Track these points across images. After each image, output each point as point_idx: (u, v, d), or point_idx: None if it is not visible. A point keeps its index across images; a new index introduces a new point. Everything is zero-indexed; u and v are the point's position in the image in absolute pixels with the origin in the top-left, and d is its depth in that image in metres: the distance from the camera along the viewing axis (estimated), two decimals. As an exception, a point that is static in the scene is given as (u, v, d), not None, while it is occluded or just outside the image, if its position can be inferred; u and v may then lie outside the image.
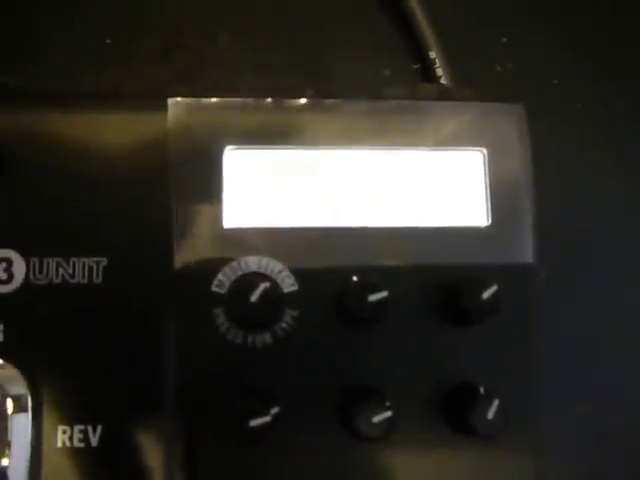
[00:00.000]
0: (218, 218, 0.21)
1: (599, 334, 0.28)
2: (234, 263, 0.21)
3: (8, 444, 0.20)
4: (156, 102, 0.22)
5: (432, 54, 0.28)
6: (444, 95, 0.25)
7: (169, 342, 0.21)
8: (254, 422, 0.19)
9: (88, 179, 0.21)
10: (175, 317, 0.21)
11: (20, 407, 0.20)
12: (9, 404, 0.20)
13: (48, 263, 0.21)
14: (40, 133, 0.22)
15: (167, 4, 0.30)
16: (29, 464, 0.20)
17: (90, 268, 0.21)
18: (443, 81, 0.28)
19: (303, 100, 0.22)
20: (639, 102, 0.30)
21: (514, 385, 0.22)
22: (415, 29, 0.29)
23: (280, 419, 0.20)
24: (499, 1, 0.31)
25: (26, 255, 0.21)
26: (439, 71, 0.28)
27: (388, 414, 0.20)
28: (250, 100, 0.22)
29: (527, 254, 0.22)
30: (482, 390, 0.21)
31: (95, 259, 0.21)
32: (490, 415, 0.20)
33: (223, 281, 0.21)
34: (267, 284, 0.20)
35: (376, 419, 0.19)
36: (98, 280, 0.21)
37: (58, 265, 0.21)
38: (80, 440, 0.20)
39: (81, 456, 0.20)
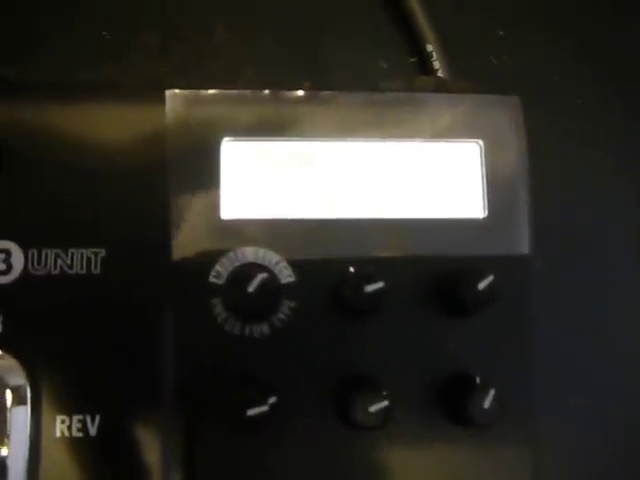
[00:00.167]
0: (216, 209, 0.21)
1: (597, 326, 0.29)
2: (231, 254, 0.21)
3: (7, 434, 0.20)
4: (154, 94, 0.22)
5: (429, 47, 0.28)
6: (440, 87, 0.25)
7: (167, 332, 0.21)
8: (251, 411, 0.19)
9: (86, 171, 0.21)
10: (173, 308, 0.21)
11: (19, 397, 0.20)
12: (8, 394, 0.20)
13: (46, 254, 0.21)
14: (38, 126, 0.22)
15: (165, -2, 0.30)
16: (28, 453, 0.20)
17: (88, 259, 0.21)
18: (440, 74, 0.28)
19: (300, 92, 0.22)
20: (638, 98, 0.31)
21: (510, 375, 0.22)
22: (412, 23, 0.29)
23: (277, 409, 0.20)
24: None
25: (25, 246, 0.21)
26: (436, 64, 0.28)
27: (384, 403, 0.20)
28: (247, 92, 0.22)
29: (523, 245, 0.23)
30: (478, 380, 0.21)
31: (93, 250, 0.21)
32: (486, 405, 0.20)
33: (221, 272, 0.21)
34: (264, 275, 0.20)
35: (372, 408, 0.20)
36: (96, 271, 0.21)
37: (57, 256, 0.21)
38: (79, 430, 0.20)
39: (80, 446, 0.20)
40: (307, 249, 0.22)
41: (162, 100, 0.22)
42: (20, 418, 0.20)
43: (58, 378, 0.21)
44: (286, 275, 0.21)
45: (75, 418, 0.21)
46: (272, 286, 0.21)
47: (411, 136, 0.23)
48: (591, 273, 0.29)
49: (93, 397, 0.21)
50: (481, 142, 0.23)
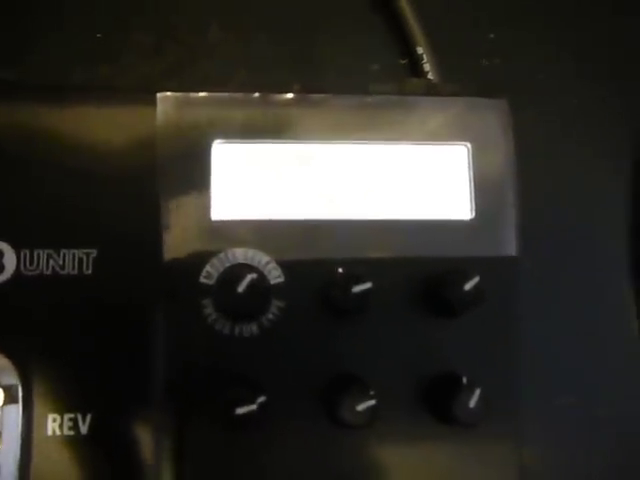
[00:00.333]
0: (206, 210, 0.22)
1: (585, 326, 0.29)
2: (222, 255, 0.22)
3: (-1, 432, 0.20)
4: (145, 96, 0.22)
5: (419, 50, 0.29)
6: (430, 90, 0.25)
7: (158, 332, 0.21)
8: (240, 410, 0.19)
9: (78, 172, 0.22)
10: (164, 308, 0.21)
11: (11, 396, 0.21)
12: (0, 393, 0.21)
13: (39, 255, 0.21)
14: (31, 127, 0.22)
15: (159, -1, 0.30)
16: (20, 451, 0.20)
17: (80, 260, 0.21)
18: (430, 76, 0.29)
19: (290, 95, 0.23)
20: (629, 98, 0.31)
21: (496, 375, 0.22)
22: (403, 25, 0.29)
23: (266, 408, 0.20)
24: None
25: (17, 247, 0.21)
26: (426, 66, 0.28)
27: (372, 402, 0.20)
28: (238, 95, 0.23)
29: (510, 247, 0.23)
30: (465, 380, 0.21)
31: (85, 251, 0.21)
32: (472, 404, 0.20)
33: (211, 272, 0.21)
34: (254, 275, 0.21)
35: (360, 407, 0.20)
36: (88, 271, 0.21)
37: (49, 257, 0.21)
38: (70, 428, 0.21)
39: (71, 444, 0.21)
40: (296, 250, 0.22)
41: (153, 102, 0.22)
42: (12, 417, 0.21)
43: (50, 377, 0.21)
44: (275, 276, 0.22)
45: (66, 417, 0.21)
46: (261, 286, 0.21)
47: (400, 139, 0.23)
48: (581, 274, 0.29)
49: (84, 396, 0.21)
50: (469, 145, 0.23)
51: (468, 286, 0.21)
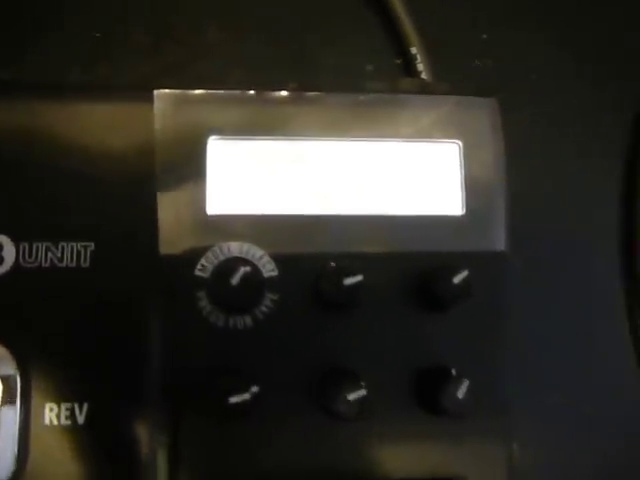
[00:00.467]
0: (202, 205, 0.22)
1: (576, 326, 0.29)
2: (217, 248, 0.22)
3: (-3, 421, 0.21)
4: (143, 94, 0.23)
5: (413, 50, 0.29)
6: (423, 89, 0.25)
7: (154, 324, 0.22)
8: (234, 399, 0.20)
9: (76, 168, 0.22)
10: (160, 300, 0.22)
11: (9, 386, 0.21)
12: (-1, 383, 0.21)
13: (37, 247, 0.22)
14: (30, 123, 0.22)
15: (157, -2, 0.30)
16: (17, 440, 0.21)
17: (78, 252, 0.22)
18: (424, 76, 0.29)
19: (285, 92, 0.23)
20: (620, 96, 0.31)
21: (484, 368, 0.23)
22: (397, 25, 0.30)
23: (259, 398, 0.21)
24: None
25: (16, 240, 0.22)
26: (420, 66, 0.29)
27: (362, 393, 0.20)
28: (234, 92, 0.23)
29: (500, 242, 0.23)
30: (453, 372, 0.21)
31: (83, 244, 0.22)
32: (460, 395, 0.21)
33: (206, 266, 0.22)
34: (248, 268, 0.21)
35: (351, 397, 0.20)
36: (86, 264, 0.22)
37: (47, 249, 0.22)
38: (67, 418, 0.21)
39: (68, 433, 0.21)
40: (290, 244, 0.22)
41: (150, 100, 0.23)
42: (10, 406, 0.21)
43: (47, 368, 0.21)
44: (269, 269, 0.22)
45: (63, 406, 0.21)
46: (255, 280, 0.22)
47: (392, 136, 0.23)
48: (574, 274, 0.29)
49: (81, 386, 0.21)
50: (460, 142, 0.23)
51: (457, 280, 0.21)
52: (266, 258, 0.22)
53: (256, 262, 0.22)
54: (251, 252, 0.22)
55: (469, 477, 0.23)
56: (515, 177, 0.24)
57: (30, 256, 0.22)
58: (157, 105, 0.23)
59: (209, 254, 0.22)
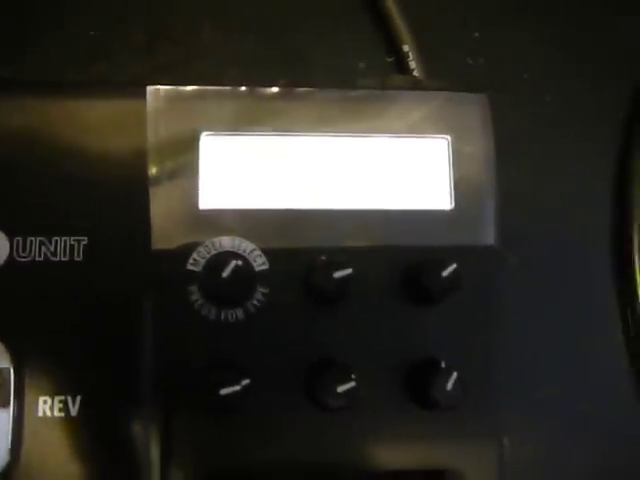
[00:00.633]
0: (194, 200, 0.22)
1: (568, 318, 0.29)
2: (208, 242, 0.22)
3: (-9, 413, 0.21)
4: (135, 90, 0.23)
5: (405, 47, 0.29)
6: (415, 86, 0.26)
7: (146, 317, 0.22)
8: (224, 391, 0.20)
9: (69, 163, 0.22)
10: (152, 294, 0.22)
11: (3, 379, 0.21)
12: (-7, 376, 0.21)
13: (31, 242, 0.22)
14: (24, 120, 0.23)
15: (152, -3, 0.31)
16: (11, 432, 0.21)
17: (71, 247, 0.22)
18: (416, 74, 0.29)
19: (276, 88, 0.23)
20: (611, 96, 0.31)
21: (474, 361, 0.23)
22: (389, 23, 0.30)
23: (250, 390, 0.21)
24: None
25: (10, 234, 0.22)
26: (412, 64, 0.29)
27: (352, 384, 0.21)
28: (225, 88, 0.23)
29: (489, 236, 0.24)
30: (443, 364, 0.22)
31: (76, 238, 0.22)
32: (449, 386, 0.21)
33: (198, 260, 0.22)
34: (239, 262, 0.21)
35: (340, 389, 0.21)
36: (79, 258, 0.22)
37: (41, 244, 0.22)
38: (60, 410, 0.21)
39: (61, 425, 0.21)
40: (281, 238, 0.23)
41: (143, 96, 0.23)
42: (4, 398, 0.21)
43: (41, 361, 0.22)
44: (260, 263, 0.22)
45: (57, 399, 0.21)
46: (246, 273, 0.22)
47: (382, 131, 0.24)
48: (568, 272, 0.29)
49: (74, 379, 0.22)
50: (449, 137, 0.24)
51: (445, 273, 0.21)
52: (257, 252, 0.22)
53: (247, 256, 0.22)
54: (242, 246, 0.22)
55: (459, 469, 0.23)
56: (504, 177, 0.25)
57: (24, 250, 0.22)
58: (150, 101, 0.23)
59: (201, 248, 0.22)
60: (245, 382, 0.21)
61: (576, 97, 0.31)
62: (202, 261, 0.22)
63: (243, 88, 0.23)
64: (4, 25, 0.29)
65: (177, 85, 0.23)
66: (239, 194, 0.23)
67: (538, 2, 0.32)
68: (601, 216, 0.30)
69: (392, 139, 0.23)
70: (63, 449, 0.21)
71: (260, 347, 0.22)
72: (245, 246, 0.22)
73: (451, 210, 0.23)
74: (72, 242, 0.22)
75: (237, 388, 0.20)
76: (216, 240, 0.22)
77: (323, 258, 0.22)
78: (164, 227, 0.22)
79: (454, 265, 0.21)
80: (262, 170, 0.23)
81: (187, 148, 0.23)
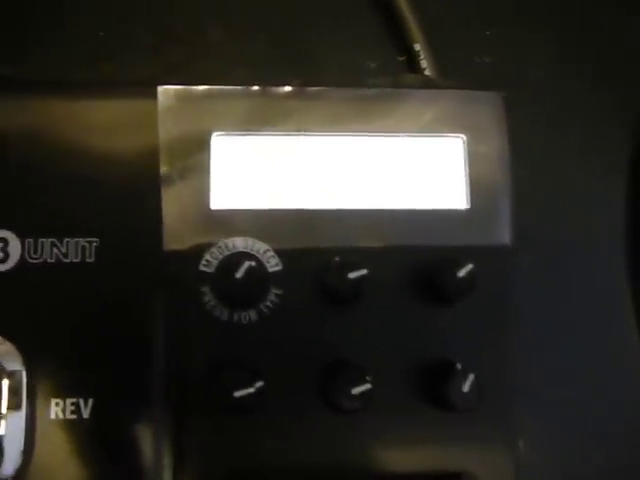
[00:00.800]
0: (206, 200, 0.22)
1: (583, 319, 0.29)
2: (221, 243, 0.22)
3: (4, 415, 0.21)
4: (146, 90, 0.23)
5: (417, 46, 0.29)
6: (427, 85, 0.25)
7: (158, 319, 0.22)
8: (238, 393, 0.20)
9: (80, 164, 0.22)
10: (164, 295, 0.22)
11: (15, 381, 0.21)
12: (5, 379, 0.21)
13: (43, 243, 0.22)
14: (36, 120, 0.22)
15: (158, -2, 0.30)
16: (24, 434, 0.21)
17: (83, 248, 0.22)
18: (428, 73, 0.29)
19: (288, 88, 0.23)
20: (622, 94, 0.31)
21: (490, 363, 0.22)
22: (401, 22, 0.30)
23: (264, 392, 0.21)
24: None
25: (22, 235, 0.22)
26: (424, 63, 0.29)
27: (366, 386, 0.20)
28: (237, 88, 0.23)
29: (505, 236, 0.23)
30: (459, 366, 0.21)
31: (88, 240, 0.22)
32: (466, 388, 0.21)
33: (210, 261, 0.22)
34: (252, 263, 0.21)
35: (355, 391, 0.20)
36: (90, 259, 0.22)
37: (52, 245, 0.22)
38: (72, 412, 0.21)
39: (73, 427, 0.21)
40: (294, 239, 0.22)
41: (154, 96, 0.23)
42: (16, 401, 0.21)
43: (53, 363, 0.22)
44: (273, 264, 0.22)
45: (69, 401, 0.21)
46: (260, 274, 0.22)
47: (396, 130, 0.23)
48: (581, 272, 0.29)
49: (86, 381, 0.21)
50: (464, 137, 0.23)
51: (462, 273, 0.21)
52: (270, 253, 0.22)
53: (260, 257, 0.22)
54: (255, 247, 0.22)
55: (474, 472, 0.22)
56: (518, 176, 0.24)
57: (35, 252, 0.22)
58: (161, 101, 0.23)
59: (213, 249, 0.22)
60: (259, 384, 0.21)
61: (576, 97, 0.31)
62: (215, 262, 0.22)
63: (255, 88, 0.23)
64: (10, 25, 0.29)
65: (188, 85, 0.23)
66: (251, 194, 0.23)
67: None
68: (616, 215, 0.30)
69: (406, 138, 0.23)
70: (75, 452, 0.21)
71: (274, 349, 0.22)
72: (258, 247, 0.22)
73: (466, 210, 0.23)
74: (84, 243, 0.22)
75: (251, 390, 0.20)
76: (229, 241, 0.22)
77: (337, 259, 0.22)
78: (176, 228, 0.22)
79: (470, 265, 0.21)
80: (274, 170, 0.23)
81: (198, 148, 0.23)
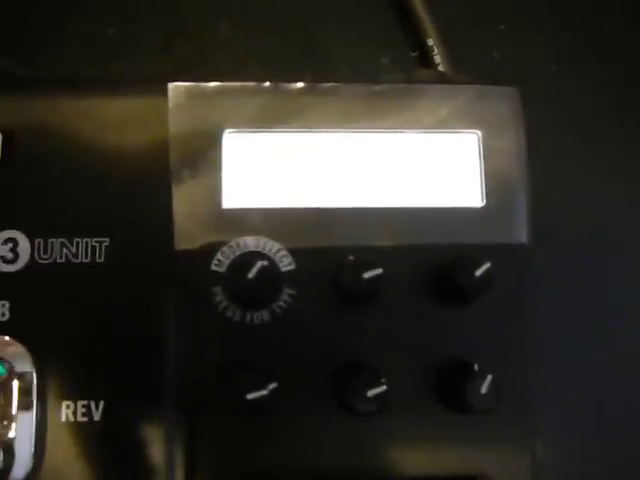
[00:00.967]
0: (217, 199, 0.22)
1: (599, 317, 0.29)
2: (233, 243, 0.22)
3: (15, 417, 0.21)
4: (157, 87, 0.22)
5: (430, 41, 0.29)
6: (441, 80, 0.25)
7: (169, 320, 0.21)
8: (251, 395, 0.20)
9: (90, 162, 0.22)
10: (175, 295, 0.22)
11: (26, 383, 0.21)
12: (15, 380, 0.21)
13: (52, 243, 0.21)
14: (46, 118, 0.22)
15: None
16: (34, 436, 0.21)
17: (93, 248, 0.22)
18: (441, 68, 0.29)
19: (301, 84, 0.23)
20: (637, 88, 0.31)
21: (508, 363, 0.22)
22: (413, 17, 0.29)
23: (277, 394, 0.20)
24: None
25: (31, 236, 0.21)
26: (437, 58, 0.29)
27: (382, 389, 0.20)
28: (249, 84, 0.23)
29: (521, 234, 0.23)
30: (476, 367, 0.21)
31: (97, 239, 0.22)
32: (484, 390, 0.20)
33: (222, 260, 0.22)
34: (265, 262, 0.21)
35: (370, 393, 0.20)
36: (100, 260, 0.22)
37: (62, 245, 0.22)
38: (83, 415, 0.21)
39: (84, 430, 0.21)
40: (307, 238, 0.22)
41: (165, 93, 0.22)
42: (27, 403, 0.21)
43: (64, 364, 0.21)
44: (286, 263, 0.22)
45: (80, 403, 0.21)
46: (272, 274, 0.21)
47: (410, 126, 0.23)
48: (594, 269, 0.29)
49: (97, 383, 0.21)
50: (479, 132, 0.23)
51: (479, 272, 0.21)
52: (283, 252, 0.22)
53: (273, 256, 0.22)
54: (268, 246, 0.22)
55: (492, 474, 0.22)
56: (534, 173, 0.24)
57: (45, 252, 0.21)
58: (171, 98, 0.22)
59: (225, 248, 0.22)
60: (272, 386, 0.20)
61: (605, 90, 0.30)
62: (227, 262, 0.22)
63: (267, 84, 0.23)
64: (22, 25, 0.29)
65: (199, 82, 0.23)
66: (263, 192, 0.22)
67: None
68: (633, 213, 0.29)
69: (421, 134, 0.23)
70: (86, 454, 0.21)
71: (287, 350, 0.22)
72: (271, 246, 0.22)
73: (482, 207, 0.23)
74: (94, 243, 0.22)
75: (264, 392, 0.20)
76: (241, 240, 0.22)
77: (352, 258, 0.21)
78: (187, 227, 0.22)
79: (488, 264, 0.21)
80: (286, 168, 0.22)
81: (210, 146, 0.22)
